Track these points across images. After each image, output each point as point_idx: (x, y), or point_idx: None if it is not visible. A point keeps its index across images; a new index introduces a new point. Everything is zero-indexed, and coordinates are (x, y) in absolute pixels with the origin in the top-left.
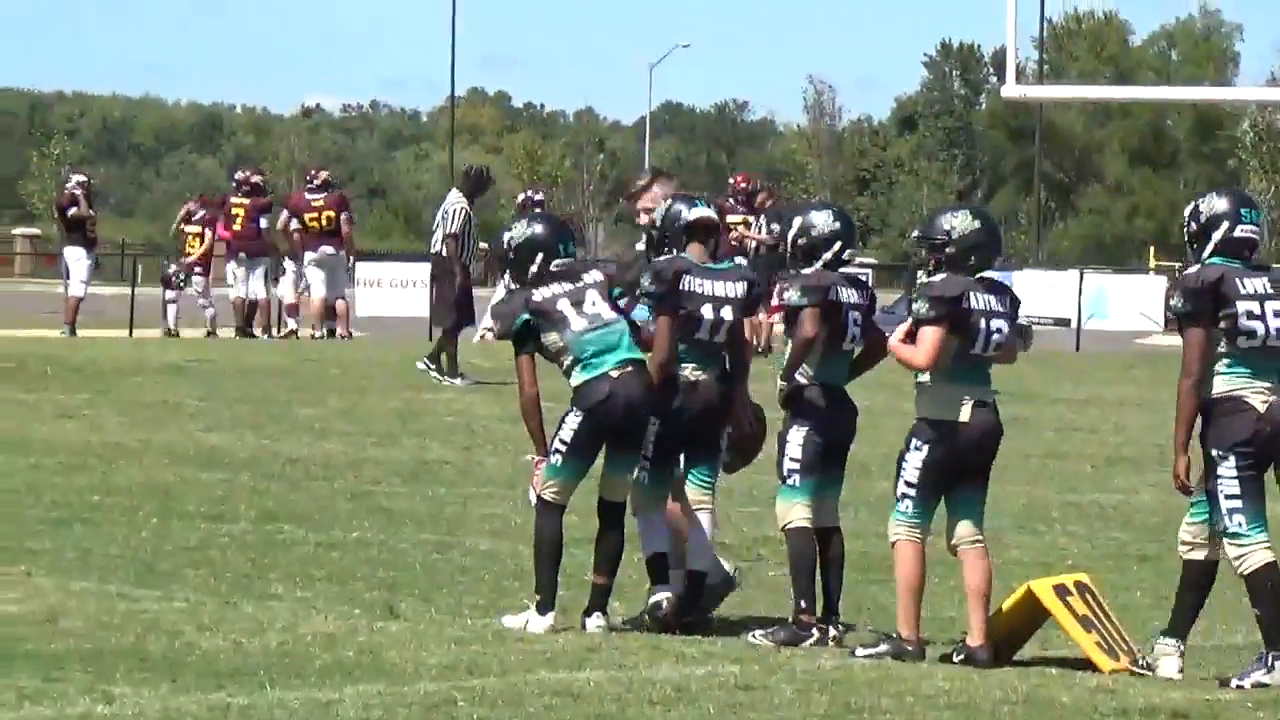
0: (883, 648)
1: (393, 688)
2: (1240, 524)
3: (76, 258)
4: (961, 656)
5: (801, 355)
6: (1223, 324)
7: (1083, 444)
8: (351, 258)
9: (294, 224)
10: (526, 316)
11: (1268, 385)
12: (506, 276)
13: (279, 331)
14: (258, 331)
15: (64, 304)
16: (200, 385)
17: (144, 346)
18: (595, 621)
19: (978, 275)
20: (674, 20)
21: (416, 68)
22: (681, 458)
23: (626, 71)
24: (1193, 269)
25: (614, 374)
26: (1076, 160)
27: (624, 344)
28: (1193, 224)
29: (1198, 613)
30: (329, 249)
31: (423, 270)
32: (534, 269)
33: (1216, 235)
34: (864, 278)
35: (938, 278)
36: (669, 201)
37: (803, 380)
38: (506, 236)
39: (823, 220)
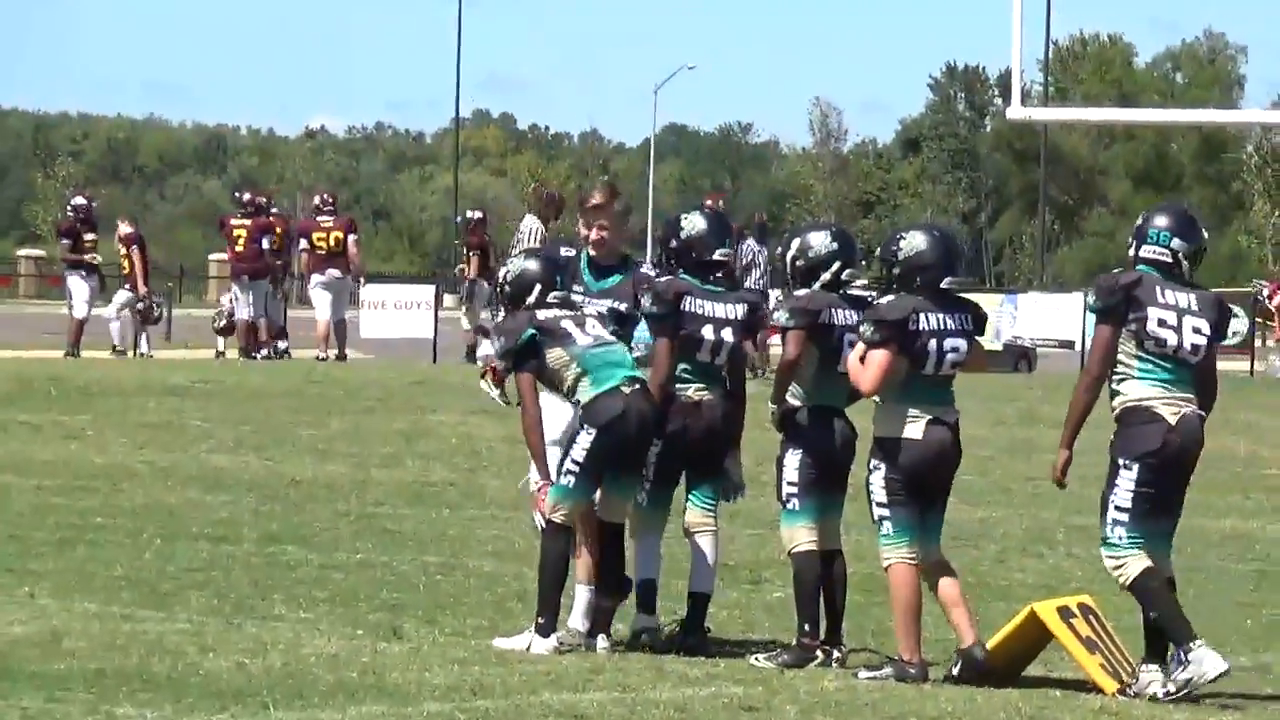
0: (886, 671)
1: (396, 709)
2: (1120, 537)
3: (79, 281)
4: (959, 664)
5: (785, 377)
6: (1131, 326)
7: (1087, 467)
8: (361, 279)
9: (302, 243)
10: (532, 331)
11: (1183, 397)
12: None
13: (270, 353)
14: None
15: (68, 325)
16: (204, 407)
17: (148, 368)
18: (602, 643)
19: (937, 291)
20: (679, 42)
21: (421, 89)
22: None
23: (631, 93)
24: (1115, 271)
25: (625, 390)
26: (1081, 183)
27: (629, 362)
28: (1133, 230)
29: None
30: (335, 272)
31: (426, 292)
32: (530, 301)
33: (1142, 246)
34: (870, 299)
35: (884, 299)
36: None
37: (796, 402)
38: (503, 271)
39: (820, 240)
